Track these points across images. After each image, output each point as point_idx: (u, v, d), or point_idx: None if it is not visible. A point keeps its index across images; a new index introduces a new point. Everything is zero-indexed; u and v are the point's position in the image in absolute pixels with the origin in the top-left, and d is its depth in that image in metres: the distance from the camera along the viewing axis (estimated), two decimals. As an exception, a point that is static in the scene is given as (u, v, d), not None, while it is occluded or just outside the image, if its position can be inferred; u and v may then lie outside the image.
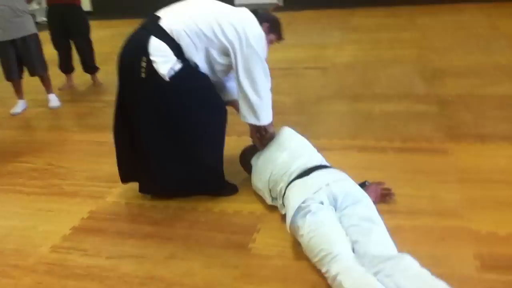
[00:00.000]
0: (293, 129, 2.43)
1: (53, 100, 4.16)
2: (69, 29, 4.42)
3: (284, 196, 2.07)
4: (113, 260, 2.00)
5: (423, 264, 1.60)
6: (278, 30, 2.35)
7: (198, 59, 2.14)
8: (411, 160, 2.63)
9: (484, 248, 1.86)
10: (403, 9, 7.14)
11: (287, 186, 2.08)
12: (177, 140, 2.23)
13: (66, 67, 4.65)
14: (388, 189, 2.26)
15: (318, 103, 3.64)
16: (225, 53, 2.15)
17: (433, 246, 1.89)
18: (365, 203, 1.93)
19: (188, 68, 2.12)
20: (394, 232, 1.94)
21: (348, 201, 1.92)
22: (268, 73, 2.22)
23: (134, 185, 2.46)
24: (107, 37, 6.84)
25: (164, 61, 2.05)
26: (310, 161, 2.19)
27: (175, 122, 2.19)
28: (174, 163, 2.28)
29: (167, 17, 2.13)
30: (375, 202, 2.02)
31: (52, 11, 4.38)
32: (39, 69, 4.04)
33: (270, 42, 2.32)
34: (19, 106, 4.09)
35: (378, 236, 1.79)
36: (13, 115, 4.01)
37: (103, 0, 9.27)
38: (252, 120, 2.27)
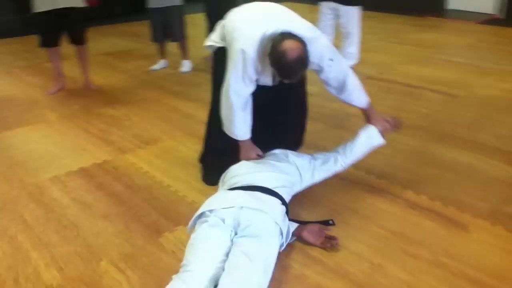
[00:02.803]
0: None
1: (185, 65, 4.77)
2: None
3: None
4: (72, 201, 2.38)
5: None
6: (275, 67, 2.02)
7: None
8: (411, 221, 2.20)
9: None
10: None
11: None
12: None
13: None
14: (333, 237, 2.01)
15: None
16: None
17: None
18: (261, 241, 1.78)
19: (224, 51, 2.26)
20: (290, 280, 1.78)
21: (247, 232, 1.81)
22: (229, 90, 2.10)
23: (158, 151, 2.91)
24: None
25: (210, 39, 2.41)
26: (260, 181, 2.09)
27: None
28: None
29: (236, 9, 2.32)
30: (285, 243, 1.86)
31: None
32: (178, 36, 4.66)
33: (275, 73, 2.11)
34: (159, 64, 4.84)
35: (242, 275, 1.65)
36: (151, 70, 4.77)
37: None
38: None
